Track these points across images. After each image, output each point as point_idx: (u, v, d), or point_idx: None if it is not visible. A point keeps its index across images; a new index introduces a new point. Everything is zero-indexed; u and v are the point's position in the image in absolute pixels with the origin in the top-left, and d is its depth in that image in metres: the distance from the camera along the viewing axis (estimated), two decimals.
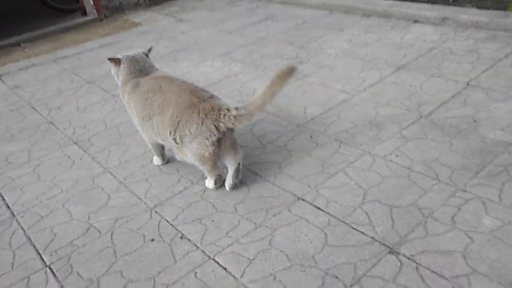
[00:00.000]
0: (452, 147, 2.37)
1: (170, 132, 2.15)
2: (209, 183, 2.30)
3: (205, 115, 2.05)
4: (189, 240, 1.99)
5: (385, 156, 2.38)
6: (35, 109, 3.54)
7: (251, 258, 1.84)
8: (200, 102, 2.08)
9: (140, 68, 2.36)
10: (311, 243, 1.88)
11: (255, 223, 2.03)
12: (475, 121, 2.56)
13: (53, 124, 3.26)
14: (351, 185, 2.19)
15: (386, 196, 2.08)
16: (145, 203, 2.27)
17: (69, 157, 2.80)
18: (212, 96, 2.15)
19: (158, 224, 2.12)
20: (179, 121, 2.09)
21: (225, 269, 1.81)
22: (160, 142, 2.34)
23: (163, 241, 2.01)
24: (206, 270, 1.82)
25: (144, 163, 2.60)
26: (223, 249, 1.92)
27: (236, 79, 3.58)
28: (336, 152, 2.47)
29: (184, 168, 2.48)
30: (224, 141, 2.07)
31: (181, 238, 2.01)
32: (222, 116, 2.02)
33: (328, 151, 2.48)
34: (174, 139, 2.15)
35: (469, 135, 2.44)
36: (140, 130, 2.43)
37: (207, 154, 2.10)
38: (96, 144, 2.91)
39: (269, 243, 1.90)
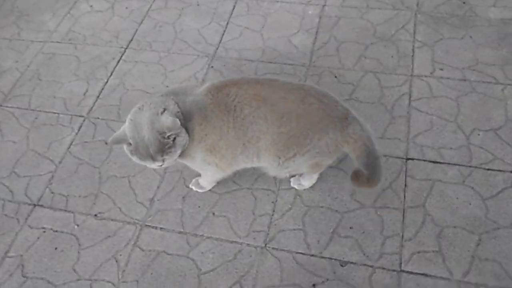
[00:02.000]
0: (474, 40, 2.27)
1: (289, 151, 1.46)
2: (310, 182, 1.79)
3: (341, 132, 1.47)
4: None
5: (431, 74, 2.15)
6: None
7: None
8: (336, 115, 1.47)
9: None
10: None
11: None
12: (464, 3, 2.46)
13: None
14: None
15: (478, 121, 1.92)
16: None
17: None
18: (342, 107, 1.51)
19: None
20: (308, 138, 1.45)
21: None
22: (250, 166, 1.61)
23: None
24: None
25: None
26: None
27: None
28: None
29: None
30: None
31: None
32: (352, 140, 1.48)
33: None
34: (288, 158, 1.47)
35: (475, 21, 2.35)
36: (220, 167, 1.60)
37: (325, 164, 1.57)
38: None
39: None
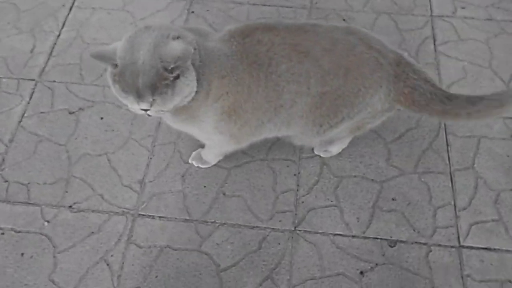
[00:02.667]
0: None
1: (336, 116, 1.12)
2: (340, 147, 1.48)
3: (395, 84, 1.14)
4: None
5: (453, 14, 1.86)
6: None
7: None
8: (388, 62, 1.12)
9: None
10: None
11: None
12: None
13: None
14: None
15: None
16: None
17: None
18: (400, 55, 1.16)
19: None
20: (360, 96, 1.13)
21: None
22: (272, 136, 1.26)
23: None
24: None
25: None
26: None
27: None
28: None
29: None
30: None
31: None
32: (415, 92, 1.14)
33: None
34: (332, 125, 1.14)
35: None
36: (235, 137, 1.23)
37: (370, 126, 1.27)
38: None
39: None
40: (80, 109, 1.61)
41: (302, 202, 1.41)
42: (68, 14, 1.90)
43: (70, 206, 1.41)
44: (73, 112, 1.60)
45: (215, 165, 1.47)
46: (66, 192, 1.43)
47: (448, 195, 1.40)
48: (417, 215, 1.37)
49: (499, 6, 1.89)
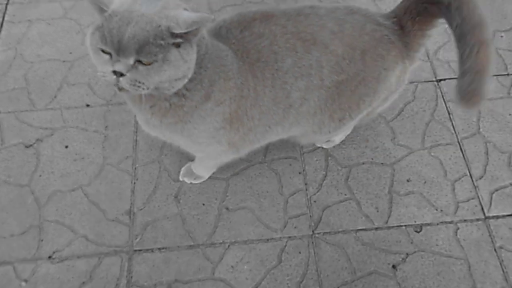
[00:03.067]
0: None
1: (358, 106, 0.98)
2: (343, 135, 1.37)
3: (409, 58, 1.02)
4: None
5: None
6: None
7: None
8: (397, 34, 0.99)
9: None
10: None
11: None
12: None
13: None
14: None
15: (494, 22, 1.64)
16: None
17: None
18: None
19: None
20: (380, 79, 0.99)
21: None
22: (276, 139, 1.08)
23: None
24: None
25: None
26: None
27: None
28: None
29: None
30: None
31: None
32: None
33: None
34: (351, 117, 1.02)
35: None
36: (235, 146, 1.05)
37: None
38: None
39: None
40: (38, 140, 1.37)
41: (314, 201, 1.27)
42: (0, 31, 1.63)
43: (50, 257, 1.19)
44: (31, 145, 1.36)
45: (210, 178, 1.31)
46: (41, 240, 1.22)
47: (462, 165, 1.33)
48: (436, 193, 1.28)
49: None
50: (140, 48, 0.72)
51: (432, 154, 1.35)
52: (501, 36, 1.59)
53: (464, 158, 1.34)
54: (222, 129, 0.97)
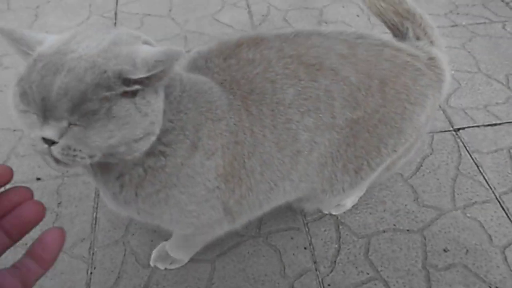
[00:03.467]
0: None
1: (378, 152, 0.76)
2: (356, 197, 1.11)
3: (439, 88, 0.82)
4: None
5: None
6: None
7: None
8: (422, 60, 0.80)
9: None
10: None
11: None
12: None
13: None
14: None
15: (505, 66, 1.48)
16: None
17: None
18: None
19: None
20: (406, 116, 0.77)
21: None
22: (289, 199, 0.83)
23: None
24: None
25: None
26: None
27: None
28: None
29: None
30: None
31: None
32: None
33: None
34: (372, 168, 0.77)
35: None
36: (233, 212, 0.76)
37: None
38: None
39: None
40: None
41: (329, 285, 0.97)
42: None
43: None
44: None
45: (190, 260, 1.00)
46: None
47: (509, 227, 1.06)
48: (484, 264, 0.99)
49: (458, 12, 1.72)
50: (75, 107, 0.49)
51: (468, 215, 1.08)
52: None
53: (509, 218, 1.07)
54: (217, 189, 0.70)
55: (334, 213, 1.08)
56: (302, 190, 0.81)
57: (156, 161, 0.62)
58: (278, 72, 0.69)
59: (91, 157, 0.53)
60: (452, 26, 1.65)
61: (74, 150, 0.51)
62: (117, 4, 1.77)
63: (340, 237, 1.05)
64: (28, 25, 1.67)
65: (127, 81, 0.51)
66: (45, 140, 0.50)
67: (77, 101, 0.48)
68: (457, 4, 1.76)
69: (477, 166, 1.19)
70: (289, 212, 1.09)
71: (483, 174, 1.17)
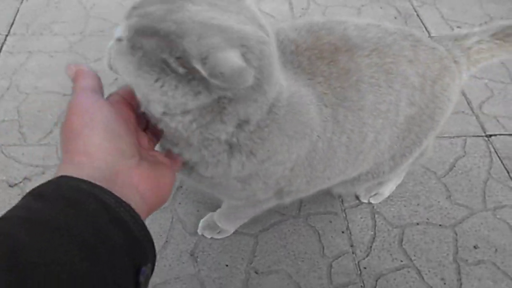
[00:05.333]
0: None
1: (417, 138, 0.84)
2: (394, 185, 1.16)
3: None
4: None
5: None
6: None
7: None
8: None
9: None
10: None
11: None
12: None
13: None
14: None
15: None
16: None
17: None
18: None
19: None
20: (445, 109, 0.85)
21: None
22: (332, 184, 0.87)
23: None
24: None
25: None
26: None
27: None
28: None
29: None
30: None
31: None
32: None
33: None
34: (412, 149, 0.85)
35: None
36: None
37: None
38: None
39: None
40: (26, 179, 1.13)
41: (365, 267, 1.03)
42: None
43: None
44: (16, 184, 1.11)
45: (234, 233, 1.06)
46: None
47: None
48: None
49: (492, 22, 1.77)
50: (138, 32, 0.50)
51: (498, 216, 1.14)
52: None
53: None
54: (280, 178, 0.74)
55: (372, 201, 1.13)
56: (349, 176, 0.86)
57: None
58: (365, 81, 0.74)
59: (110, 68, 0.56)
60: None
61: (110, 54, 0.55)
62: None
63: (375, 225, 1.11)
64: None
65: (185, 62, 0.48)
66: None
67: (144, 29, 0.49)
68: (492, 16, 1.81)
69: (508, 172, 1.24)
70: (327, 196, 1.14)
71: None
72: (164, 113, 0.53)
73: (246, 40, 0.50)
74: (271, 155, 0.65)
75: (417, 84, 0.77)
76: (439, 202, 1.16)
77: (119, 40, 0.52)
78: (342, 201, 1.15)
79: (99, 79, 0.51)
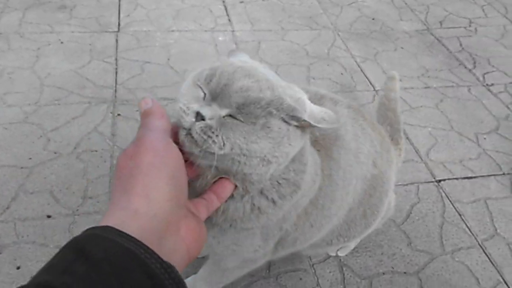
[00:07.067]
0: (408, 51, 2.11)
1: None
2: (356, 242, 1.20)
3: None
4: None
5: None
6: None
7: None
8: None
9: None
10: None
11: None
12: (373, 19, 2.34)
13: None
14: None
15: (473, 125, 1.67)
16: None
17: None
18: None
19: None
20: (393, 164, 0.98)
21: None
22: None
23: None
24: None
25: None
26: None
27: None
28: None
29: None
30: None
31: None
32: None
33: None
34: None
35: (395, 34, 2.23)
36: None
37: None
38: None
39: None
40: None
41: None
42: None
43: None
44: None
45: None
46: None
47: (493, 271, 1.18)
48: None
49: (428, 75, 1.93)
50: (244, 105, 0.54)
51: (457, 259, 1.20)
52: (484, 139, 1.61)
53: (492, 263, 1.20)
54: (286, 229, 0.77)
55: (340, 254, 1.17)
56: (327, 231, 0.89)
57: (267, 205, 0.66)
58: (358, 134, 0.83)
59: (220, 148, 0.54)
60: (425, 87, 1.86)
61: (213, 132, 0.53)
62: (116, 50, 1.84)
63: (344, 279, 1.13)
64: (30, 65, 1.70)
65: (293, 118, 0.57)
66: (197, 115, 0.54)
67: (249, 101, 0.54)
68: (427, 69, 1.98)
69: (460, 215, 1.32)
70: (294, 255, 1.15)
71: (465, 222, 1.30)
72: (268, 163, 0.57)
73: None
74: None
75: (379, 149, 0.86)
76: (401, 249, 1.21)
77: (208, 117, 0.54)
78: (310, 257, 1.17)
79: (170, 121, 0.49)
